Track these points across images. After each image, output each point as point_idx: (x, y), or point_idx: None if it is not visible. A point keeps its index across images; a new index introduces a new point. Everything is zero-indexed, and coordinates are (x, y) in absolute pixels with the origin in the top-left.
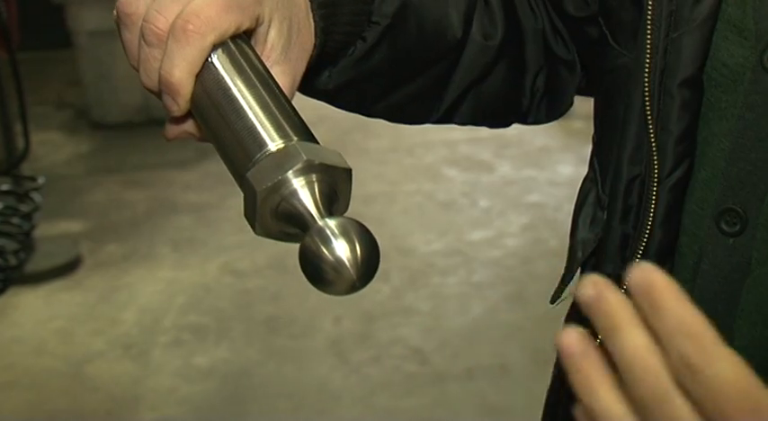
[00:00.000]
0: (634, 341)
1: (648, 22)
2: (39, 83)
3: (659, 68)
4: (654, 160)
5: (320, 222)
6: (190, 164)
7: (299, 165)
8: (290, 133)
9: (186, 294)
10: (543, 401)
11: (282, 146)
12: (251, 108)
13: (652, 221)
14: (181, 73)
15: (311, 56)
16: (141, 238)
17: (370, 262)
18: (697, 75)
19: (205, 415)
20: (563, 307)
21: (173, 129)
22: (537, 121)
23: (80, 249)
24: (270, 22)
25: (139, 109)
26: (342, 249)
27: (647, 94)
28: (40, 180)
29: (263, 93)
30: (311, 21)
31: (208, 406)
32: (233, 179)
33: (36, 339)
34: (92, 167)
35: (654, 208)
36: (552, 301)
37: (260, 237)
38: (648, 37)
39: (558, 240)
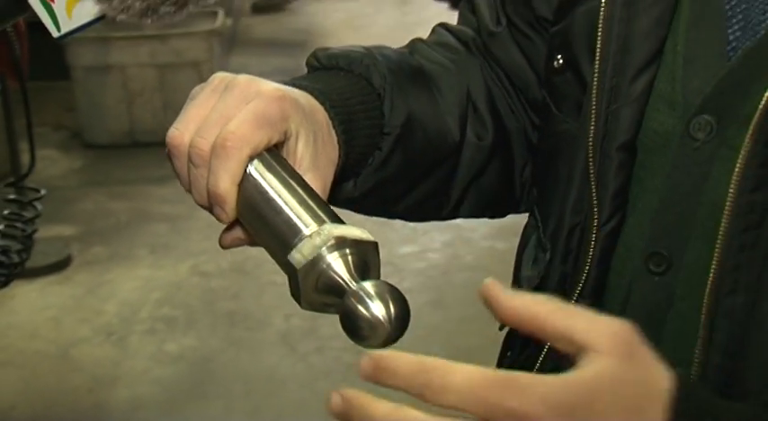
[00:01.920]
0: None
1: (594, 96)
2: (40, 108)
3: (601, 135)
4: (594, 211)
5: (356, 286)
6: (166, 180)
7: (331, 242)
8: (322, 217)
9: (160, 291)
10: None
11: (316, 229)
12: (286, 203)
13: (590, 263)
14: (225, 184)
15: (337, 166)
16: (123, 242)
17: (403, 318)
18: (632, 140)
19: (173, 393)
20: (476, 311)
21: (226, 238)
22: (528, 210)
23: (70, 250)
24: (297, 135)
25: (125, 133)
26: (377, 309)
27: (590, 156)
28: (42, 191)
29: (295, 189)
30: (333, 135)
31: (176, 386)
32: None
33: (30, 325)
34: (83, 181)
35: (592, 252)
36: (500, 329)
37: None
38: (593, 108)
39: (473, 256)
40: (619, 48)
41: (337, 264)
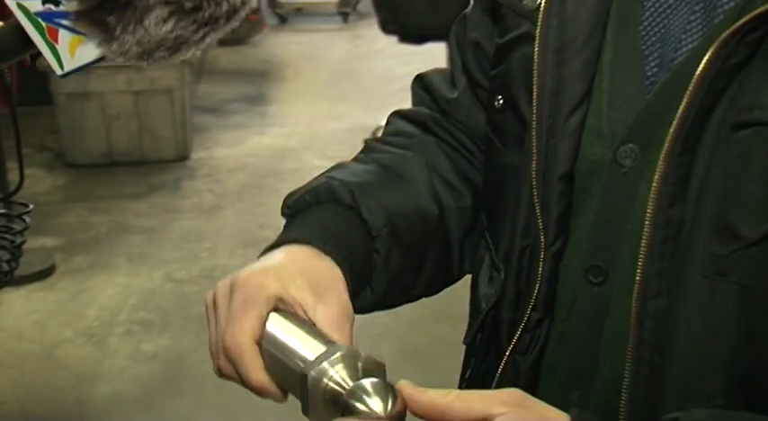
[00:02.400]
0: None
1: (534, 134)
2: (26, 131)
3: (542, 167)
4: (540, 235)
5: (352, 385)
6: (141, 196)
7: (329, 360)
8: (319, 347)
9: (137, 296)
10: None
11: (315, 357)
12: (294, 349)
13: (540, 281)
14: (254, 377)
15: (347, 280)
16: (102, 252)
17: (399, 412)
18: (570, 170)
19: (150, 389)
20: (425, 314)
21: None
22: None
23: (54, 259)
24: (285, 288)
25: (103, 154)
26: (375, 405)
27: (534, 187)
28: (31, 206)
29: (298, 334)
30: (327, 259)
31: (152, 382)
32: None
33: (17, 328)
34: (65, 197)
35: (541, 271)
36: (464, 342)
37: (196, 253)
38: (534, 145)
39: None
40: (553, 90)
41: (335, 375)
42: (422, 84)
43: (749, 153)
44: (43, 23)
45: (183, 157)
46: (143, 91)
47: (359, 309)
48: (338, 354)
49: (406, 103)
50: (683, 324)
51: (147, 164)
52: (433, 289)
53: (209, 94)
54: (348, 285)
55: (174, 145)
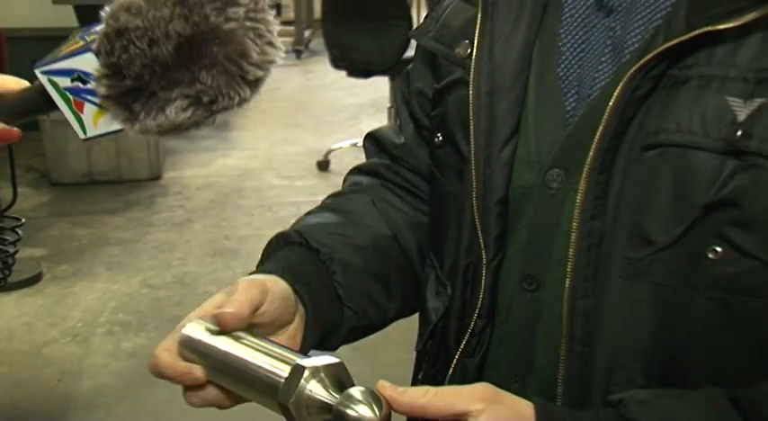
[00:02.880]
0: None
1: (473, 165)
2: (15, 153)
3: (481, 194)
4: (482, 253)
5: (339, 398)
6: (118, 211)
7: (306, 374)
8: (291, 359)
9: (116, 300)
10: (357, 377)
11: (290, 368)
12: (256, 362)
13: (483, 292)
14: (170, 368)
15: (299, 315)
16: (84, 261)
17: (387, 415)
18: (505, 195)
19: (128, 383)
20: None
21: (194, 398)
22: None
23: (41, 268)
24: (198, 311)
25: (85, 174)
26: (364, 410)
27: (475, 211)
28: (23, 220)
29: (256, 349)
30: (261, 276)
31: (130, 377)
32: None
33: (8, 330)
34: (50, 212)
35: (483, 284)
36: (416, 349)
37: (169, 262)
38: (473, 175)
39: None
40: (486, 127)
41: (317, 388)
42: (372, 139)
43: (657, 170)
44: (71, 97)
45: (156, 177)
46: None
47: (351, 333)
48: (308, 368)
49: (354, 130)
50: (607, 319)
51: (123, 183)
52: (408, 310)
53: None
54: (301, 299)
55: (149, 166)
